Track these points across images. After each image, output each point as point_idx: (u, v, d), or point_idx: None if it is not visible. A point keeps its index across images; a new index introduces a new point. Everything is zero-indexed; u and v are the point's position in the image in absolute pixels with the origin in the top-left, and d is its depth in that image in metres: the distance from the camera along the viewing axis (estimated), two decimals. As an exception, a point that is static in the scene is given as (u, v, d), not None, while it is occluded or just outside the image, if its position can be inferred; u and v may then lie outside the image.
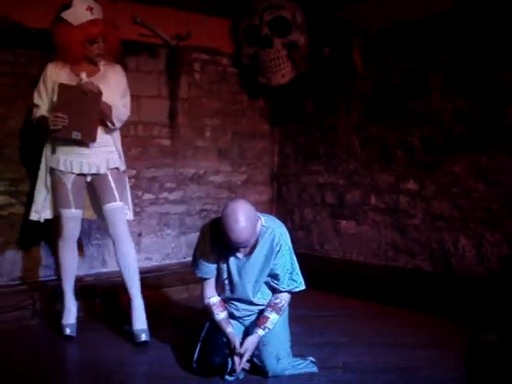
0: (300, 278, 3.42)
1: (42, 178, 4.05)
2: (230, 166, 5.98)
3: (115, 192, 4.00)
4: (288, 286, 3.38)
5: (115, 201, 4.00)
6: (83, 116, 3.80)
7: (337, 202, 5.69)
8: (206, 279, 3.46)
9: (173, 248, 5.58)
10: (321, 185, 5.85)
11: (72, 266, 4.14)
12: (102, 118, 3.89)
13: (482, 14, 4.49)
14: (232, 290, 3.43)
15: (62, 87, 3.81)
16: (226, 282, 3.42)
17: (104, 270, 5.10)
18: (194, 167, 5.69)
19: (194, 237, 5.57)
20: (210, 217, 5.75)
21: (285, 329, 3.53)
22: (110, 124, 3.92)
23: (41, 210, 4.07)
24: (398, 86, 5.12)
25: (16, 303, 4.38)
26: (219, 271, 3.42)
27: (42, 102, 3.95)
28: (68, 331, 4.08)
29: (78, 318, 4.26)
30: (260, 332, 3.31)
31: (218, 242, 3.28)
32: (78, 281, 4.57)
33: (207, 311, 3.47)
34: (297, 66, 5.56)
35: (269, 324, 3.33)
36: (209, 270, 3.41)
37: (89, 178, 4.00)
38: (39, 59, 4.65)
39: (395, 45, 5.10)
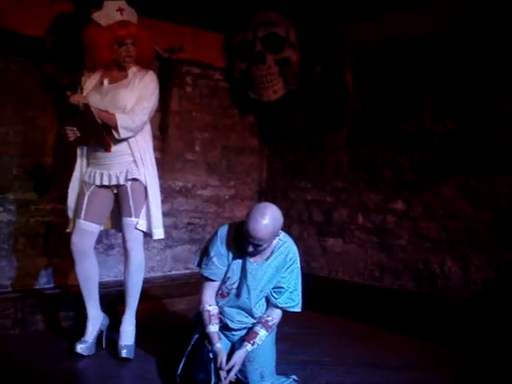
0: (299, 299, 3.42)
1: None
2: (218, 181, 5.98)
3: (132, 206, 3.90)
4: (285, 304, 3.38)
5: (130, 216, 3.90)
6: (88, 127, 3.78)
7: (324, 219, 5.70)
8: (210, 281, 3.42)
9: (158, 261, 5.54)
10: (308, 202, 5.85)
11: (85, 278, 3.99)
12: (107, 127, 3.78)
13: (475, 37, 4.53)
14: (238, 295, 3.40)
15: (65, 104, 3.76)
16: (234, 285, 3.39)
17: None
18: (183, 180, 5.68)
19: (180, 250, 5.63)
20: (196, 231, 5.76)
21: (271, 347, 3.51)
22: (115, 133, 3.78)
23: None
24: (388, 105, 5.14)
25: (-2, 312, 4.34)
26: (226, 275, 3.39)
27: None
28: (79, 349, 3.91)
29: (68, 328, 4.28)
30: (248, 347, 3.30)
31: (238, 243, 3.29)
32: (68, 292, 4.62)
33: (201, 318, 3.41)
34: (288, 82, 5.59)
35: (258, 340, 3.32)
36: (218, 271, 3.38)
37: (115, 190, 3.94)
38: (31, 67, 4.65)
39: (387, 65, 5.13)
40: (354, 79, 5.33)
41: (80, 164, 4.04)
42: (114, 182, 3.89)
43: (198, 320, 3.54)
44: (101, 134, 3.77)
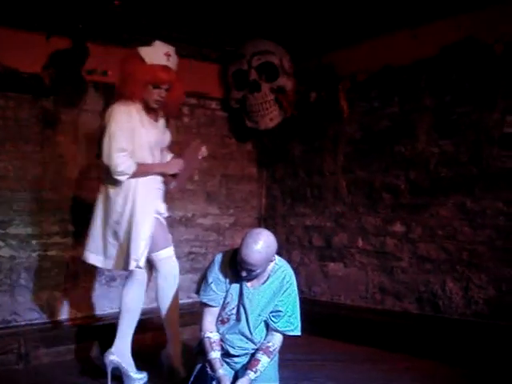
0: (297, 323, 3.42)
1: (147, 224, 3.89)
2: (217, 209, 6.01)
3: (169, 236, 4.04)
4: (284, 327, 3.39)
5: (171, 245, 4.01)
6: (185, 173, 4.11)
7: (324, 244, 5.72)
8: (209, 308, 3.44)
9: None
10: (308, 227, 5.89)
11: (138, 306, 3.98)
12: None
13: (466, 59, 4.61)
14: (237, 321, 3.41)
15: (196, 144, 4.17)
16: (234, 311, 3.41)
17: (92, 313, 5.08)
18: (182, 210, 5.71)
19: (182, 279, 5.54)
20: (197, 259, 5.77)
21: (274, 374, 3.51)
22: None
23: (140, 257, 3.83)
24: (383, 129, 5.20)
25: (1, 347, 4.32)
26: (225, 301, 3.41)
27: (127, 146, 3.76)
28: None
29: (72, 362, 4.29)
30: (251, 375, 3.29)
31: (234, 269, 3.32)
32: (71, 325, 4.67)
33: (203, 345, 3.42)
34: (284, 110, 5.65)
35: (260, 367, 3.31)
36: (217, 297, 3.40)
37: None
38: (29, 103, 4.72)
39: (381, 89, 5.21)
40: (348, 105, 5.39)
41: (131, 197, 3.87)
42: (168, 214, 4.06)
43: (199, 349, 3.54)
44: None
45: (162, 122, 4.06)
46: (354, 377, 4.17)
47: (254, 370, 3.30)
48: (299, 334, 3.45)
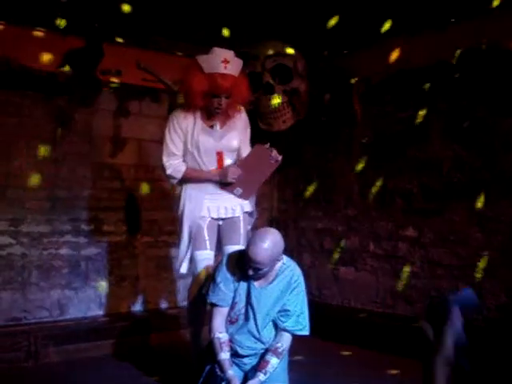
0: (306, 323, 3.43)
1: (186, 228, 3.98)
2: (229, 211, 5.99)
3: (242, 235, 4.01)
4: (293, 327, 3.39)
5: (238, 244, 3.97)
6: (255, 177, 3.97)
7: (335, 247, 5.70)
8: (218, 308, 3.44)
9: (170, 292, 5.55)
10: (319, 230, 5.87)
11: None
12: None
13: (481, 63, 4.58)
14: (245, 320, 3.41)
15: (258, 147, 3.92)
16: (242, 311, 3.41)
17: (101, 312, 5.08)
18: (194, 211, 5.70)
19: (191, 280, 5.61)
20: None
21: (284, 376, 3.50)
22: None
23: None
24: (397, 133, 5.18)
25: (11, 344, 4.35)
26: (234, 300, 3.41)
27: (178, 151, 3.88)
28: None
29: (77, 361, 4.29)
30: (261, 377, 3.29)
31: (241, 269, 3.33)
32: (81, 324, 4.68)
33: (212, 346, 3.41)
34: (297, 112, 5.64)
35: (269, 368, 3.31)
36: (226, 297, 3.40)
37: (221, 222, 4.00)
38: (44, 101, 4.74)
39: (395, 93, 5.19)
40: (362, 108, 5.38)
41: (184, 202, 4.01)
42: (230, 214, 3.98)
43: (209, 350, 3.53)
44: (257, 186, 4.09)
45: (226, 127, 3.96)
46: (362, 381, 4.15)
47: (263, 371, 3.31)
48: (308, 333, 3.45)
